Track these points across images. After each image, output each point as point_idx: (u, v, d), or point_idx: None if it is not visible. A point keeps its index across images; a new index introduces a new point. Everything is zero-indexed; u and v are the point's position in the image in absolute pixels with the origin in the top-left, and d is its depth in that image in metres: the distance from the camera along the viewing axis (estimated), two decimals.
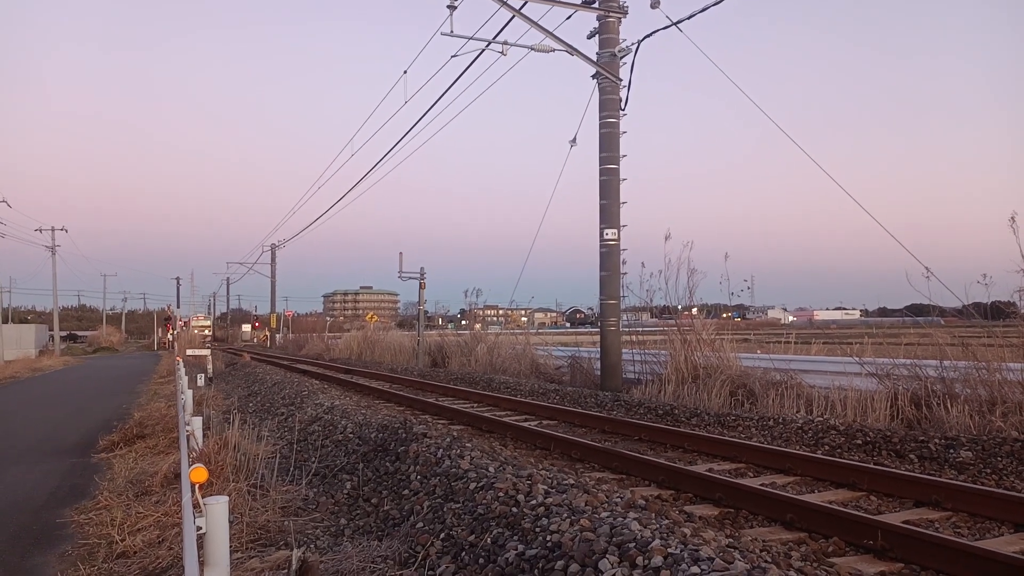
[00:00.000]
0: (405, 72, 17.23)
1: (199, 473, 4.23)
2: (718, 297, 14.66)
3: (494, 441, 8.94)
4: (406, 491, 5.98)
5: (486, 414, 11.23)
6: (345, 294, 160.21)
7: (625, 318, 14.72)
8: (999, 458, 6.83)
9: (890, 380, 9.89)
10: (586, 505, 4.52)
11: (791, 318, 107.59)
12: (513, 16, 13.50)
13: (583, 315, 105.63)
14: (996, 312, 11.06)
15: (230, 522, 3.76)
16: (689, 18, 12.59)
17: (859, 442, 7.91)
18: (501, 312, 61.97)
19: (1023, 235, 8.90)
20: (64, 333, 68.27)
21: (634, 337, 14.64)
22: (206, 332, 68.02)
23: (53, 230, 54.42)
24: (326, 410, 10.63)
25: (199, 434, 7.77)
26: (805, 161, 11.30)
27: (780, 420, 9.05)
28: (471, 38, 13.89)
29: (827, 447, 8.01)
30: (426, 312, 28.07)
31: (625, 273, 14.05)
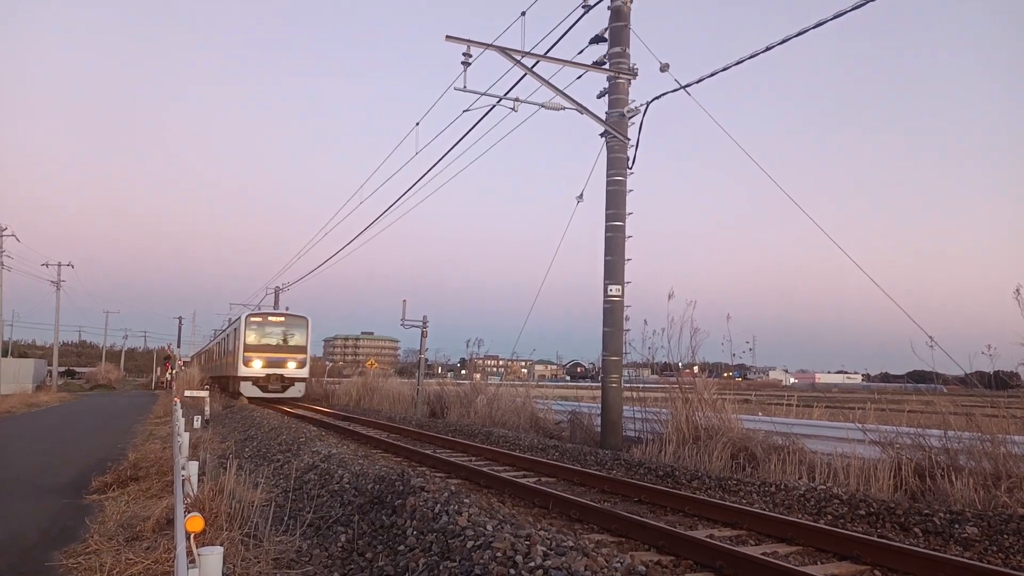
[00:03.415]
0: (417, 124, 17.55)
1: (195, 522, 4.17)
2: (720, 356, 14.64)
3: (492, 497, 8.81)
4: (402, 547, 5.88)
5: (484, 468, 11.10)
6: (346, 339, 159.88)
7: (626, 373, 14.67)
8: (1005, 535, 6.72)
9: (893, 449, 9.79)
10: (585, 569, 4.44)
11: (792, 380, 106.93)
12: (525, 74, 13.80)
13: (583, 369, 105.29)
14: (1000, 382, 11.01)
15: (223, 574, 3.70)
16: (698, 82, 12.87)
17: (862, 512, 7.79)
18: (501, 363, 61.74)
19: None
20: (62, 369, 68.05)
21: (635, 394, 14.55)
22: None
23: (59, 265, 54.81)
24: (323, 458, 10.52)
25: (195, 479, 7.68)
26: (809, 223, 11.43)
27: (782, 486, 8.93)
28: (483, 94, 14.18)
29: (830, 516, 7.89)
30: (426, 360, 28.00)
31: (628, 330, 14.07)
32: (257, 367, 31.98)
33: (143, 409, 30.21)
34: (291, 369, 32.71)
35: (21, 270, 75.98)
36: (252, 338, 32.57)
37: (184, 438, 10.05)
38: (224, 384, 37.18)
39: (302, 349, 33.56)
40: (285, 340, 33.32)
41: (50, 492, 9.82)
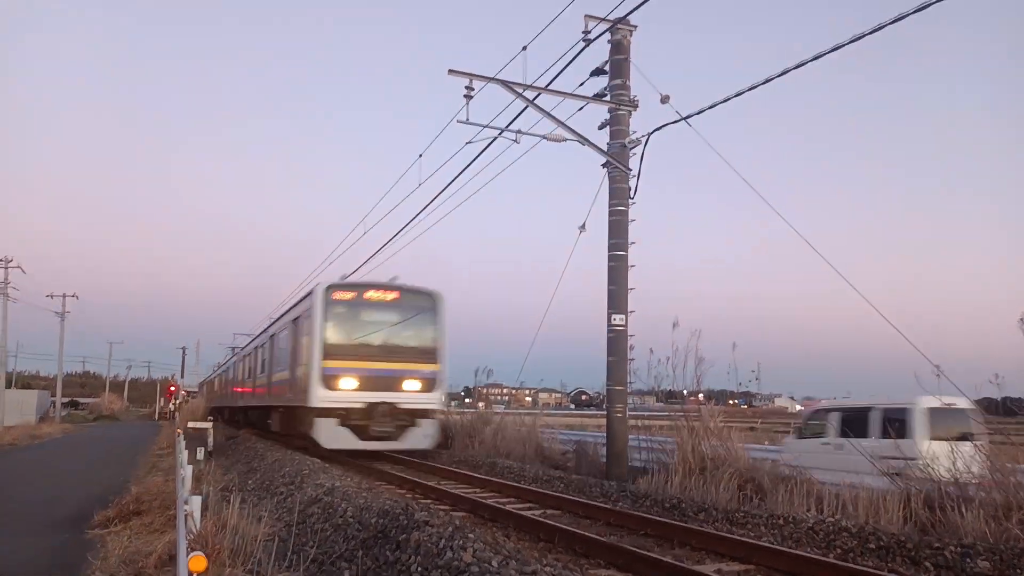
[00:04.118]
0: (420, 156, 17.61)
1: (198, 562, 4.14)
2: (725, 383, 14.62)
3: (497, 531, 8.73)
4: None
5: (489, 501, 11.00)
6: None
7: (631, 401, 14.59)
8: (1018, 570, 6.62)
9: (902, 479, 9.69)
10: None
11: (799, 407, 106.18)
12: (526, 106, 13.93)
13: (588, 397, 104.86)
14: (1007, 409, 10.93)
15: None
16: (698, 113, 12.95)
17: (872, 546, 7.68)
18: (506, 391, 61.49)
19: None
20: (66, 400, 67.94)
21: (640, 422, 14.46)
22: None
23: (64, 296, 55.05)
24: (326, 491, 10.44)
25: (197, 514, 7.62)
26: (812, 252, 11.42)
27: (790, 519, 8.83)
28: (486, 126, 14.30)
29: (839, 550, 7.78)
30: None
31: (632, 359, 14.00)
32: (348, 389, 16.91)
33: (146, 440, 30.09)
34: (413, 394, 17.48)
35: (26, 301, 76.13)
36: (337, 333, 17.48)
37: (187, 471, 9.99)
38: (265, 419, 23.46)
39: (431, 354, 17.94)
40: (400, 337, 18.07)
41: (52, 526, 9.75)
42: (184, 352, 78.07)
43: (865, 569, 6.51)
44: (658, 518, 9.28)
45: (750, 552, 7.37)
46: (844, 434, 12.63)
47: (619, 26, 14.06)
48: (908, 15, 8.28)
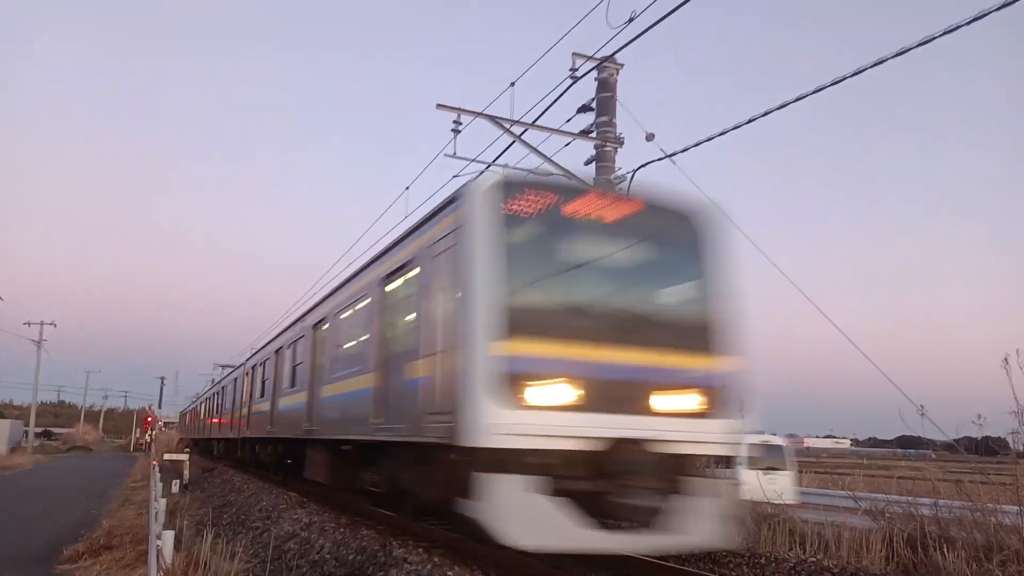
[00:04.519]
0: (407, 188, 17.64)
1: None
2: None
3: (476, 568, 8.56)
4: None
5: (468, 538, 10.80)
6: None
7: None
8: None
9: (884, 519, 9.65)
10: None
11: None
12: (514, 141, 14.05)
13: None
14: (988, 449, 10.96)
15: None
16: (683, 151, 13.10)
17: None
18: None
19: (1015, 376, 8.89)
20: (39, 430, 66.64)
21: None
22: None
23: (42, 324, 54.21)
24: (303, 526, 10.25)
25: (169, 550, 7.44)
26: (794, 289, 11.56)
27: (772, 558, 8.75)
28: (473, 160, 14.37)
29: None
30: None
31: None
32: (556, 407, 6.80)
33: (120, 473, 29.48)
34: (688, 420, 7.42)
35: (2, 328, 75.04)
36: (525, 284, 7.25)
37: (160, 505, 9.78)
38: (296, 461, 15.25)
39: (714, 335, 7.85)
40: (648, 299, 8.04)
41: (20, 561, 9.48)
42: (163, 382, 77.01)
43: None
44: (640, 557, 9.17)
45: None
46: None
47: (606, 64, 14.30)
48: (888, 59, 8.46)
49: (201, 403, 41.05)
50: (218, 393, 31.33)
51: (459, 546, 9.90)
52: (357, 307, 11.38)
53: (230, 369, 29.24)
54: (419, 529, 11.81)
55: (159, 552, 6.93)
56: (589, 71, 14.18)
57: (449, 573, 6.47)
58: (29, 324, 53.73)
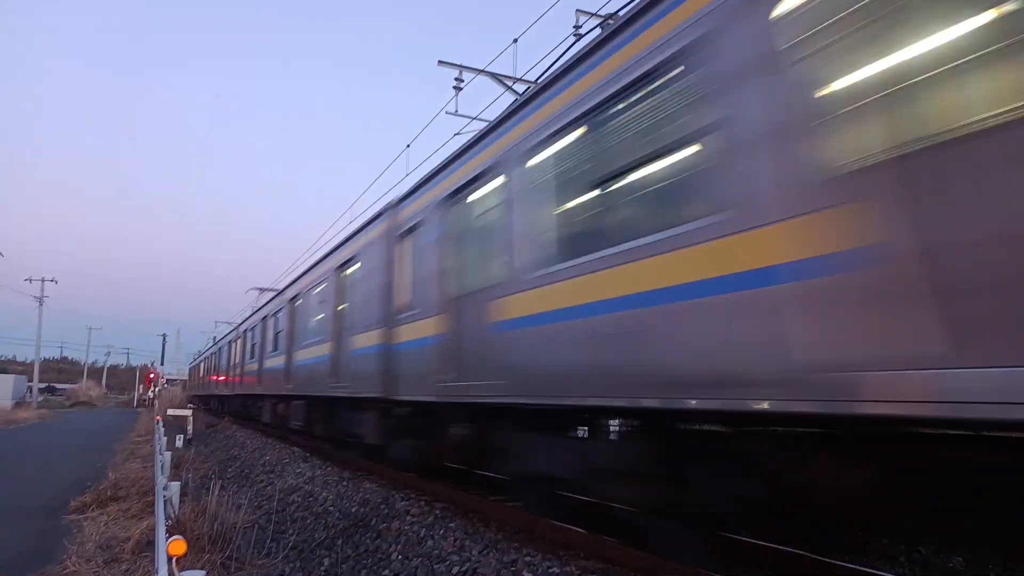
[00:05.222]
0: (408, 146, 17.57)
1: (178, 546, 4.13)
2: None
3: (478, 522, 8.73)
4: (386, 571, 5.83)
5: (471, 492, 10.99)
6: None
7: None
8: None
9: None
10: None
11: None
12: (516, 99, 13.92)
13: None
14: None
15: None
16: None
17: None
18: None
19: None
20: (43, 385, 67.25)
21: None
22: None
23: (43, 280, 54.29)
24: (307, 480, 10.42)
25: (176, 500, 7.59)
26: None
27: None
28: (474, 118, 14.26)
29: None
30: None
31: None
32: None
33: (124, 427, 29.82)
34: None
35: (3, 284, 75.27)
36: None
37: (165, 457, 9.94)
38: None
39: None
40: None
41: (27, 512, 9.65)
42: (164, 339, 77.46)
43: None
44: None
45: None
46: None
47: (609, 22, 14.10)
48: None
49: (203, 360, 38.31)
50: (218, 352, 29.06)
51: (460, 500, 10.09)
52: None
53: (272, 294, 21.11)
54: (421, 484, 12.03)
55: (167, 502, 7.08)
56: (593, 28, 13.98)
57: (451, 525, 6.60)
58: (31, 280, 53.88)
